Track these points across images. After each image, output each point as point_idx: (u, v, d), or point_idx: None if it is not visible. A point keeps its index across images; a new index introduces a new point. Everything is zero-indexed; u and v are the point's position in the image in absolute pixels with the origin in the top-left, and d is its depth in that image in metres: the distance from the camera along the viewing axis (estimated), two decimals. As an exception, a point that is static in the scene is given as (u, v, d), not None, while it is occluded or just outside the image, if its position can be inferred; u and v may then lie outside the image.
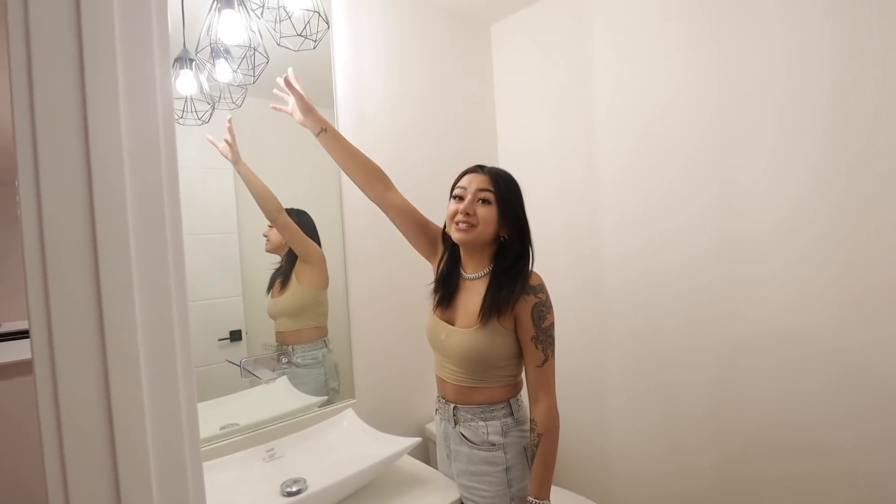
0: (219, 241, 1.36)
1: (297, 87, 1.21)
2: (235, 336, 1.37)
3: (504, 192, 1.06)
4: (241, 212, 1.38)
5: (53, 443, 0.46)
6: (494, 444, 1.04)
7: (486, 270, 1.09)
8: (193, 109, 1.29)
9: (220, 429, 1.30)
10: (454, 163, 1.92)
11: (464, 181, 1.09)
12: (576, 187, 1.83)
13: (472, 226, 1.04)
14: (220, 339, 1.35)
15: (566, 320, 1.89)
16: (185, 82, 1.26)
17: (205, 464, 1.14)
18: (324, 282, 1.54)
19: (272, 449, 1.25)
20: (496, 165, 1.12)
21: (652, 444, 1.66)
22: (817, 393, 1.30)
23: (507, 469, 1.04)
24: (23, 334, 2.93)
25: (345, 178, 1.57)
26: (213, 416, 1.30)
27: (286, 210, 1.44)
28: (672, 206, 1.56)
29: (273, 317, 1.47)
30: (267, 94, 1.42)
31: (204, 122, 1.30)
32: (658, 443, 1.65)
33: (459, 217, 1.04)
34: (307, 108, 1.22)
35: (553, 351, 1.05)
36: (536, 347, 1.02)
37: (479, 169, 1.09)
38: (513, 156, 2.07)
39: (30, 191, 0.45)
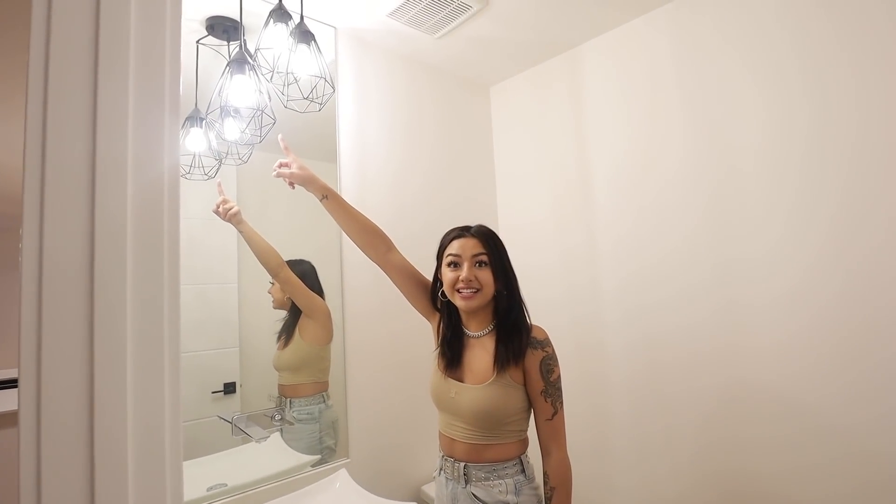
0: (218, 292, 1.36)
1: (291, 161, 1.22)
2: (229, 389, 1.34)
3: (494, 250, 1.09)
4: (242, 263, 1.39)
5: (32, 494, 0.45)
6: (508, 503, 1.03)
7: (491, 327, 1.11)
8: (201, 165, 1.33)
9: (208, 489, 1.24)
10: (456, 223, 1.96)
11: (455, 247, 1.10)
12: (576, 252, 1.86)
13: (476, 291, 1.06)
14: (213, 392, 1.32)
15: (567, 381, 1.85)
16: (195, 140, 1.31)
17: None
18: (327, 336, 1.54)
19: (260, 512, 1.19)
20: (480, 224, 1.15)
21: (657, 487, 1.58)
22: (822, 467, 1.26)
23: None
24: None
25: (345, 236, 1.60)
26: (200, 475, 1.25)
27: (287, 262, 1.45)
28: (671, 274, 1.58)
29: (277, 370, 1.46)
30: (273, 150, 1.48)
31: (210, 178, 1.34)
32: (664, 484, 1.57)
33: (461, 285, 1.06)
34: (308, 179, 1.23)
35: (562, 404, 1.06)
36: (546, 401, 1.04)
37: (465, 232, 1.12)
38: (513, 219, 2.12)
39: (33, 239, 0.46)
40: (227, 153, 1.38)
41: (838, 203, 1.25)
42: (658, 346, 1.60)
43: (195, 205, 1.34)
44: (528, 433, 1.11)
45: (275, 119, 1.31)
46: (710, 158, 1.49)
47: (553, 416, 1.04)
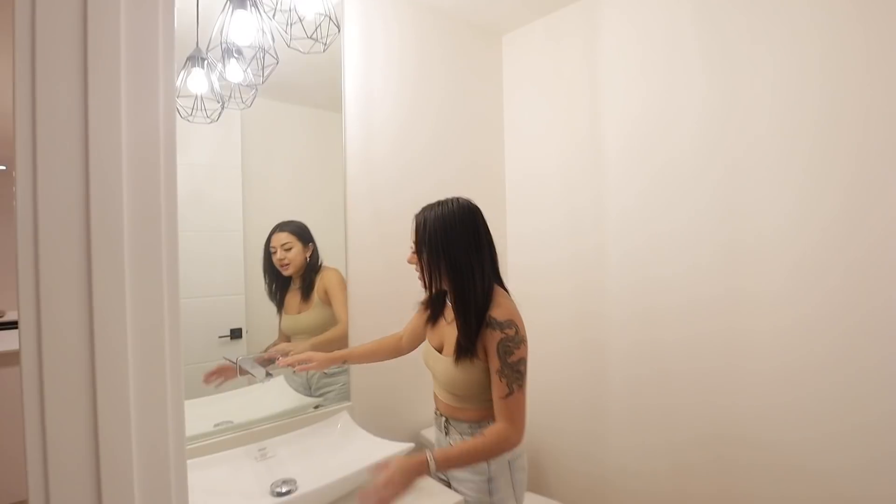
0: (224, 239, 1.36)
1: (297, 363, 1.29)
2: (236, 334, 1.38)
3: (424, 239, 1.09)
4: (247, 210, 1.39)
5: (36, 434, 0.46)
6: None
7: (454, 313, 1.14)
8: (203, 108, 1.30)
9: (215, 426, 1.30)
10: (463, 178, 1.94)
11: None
12: (583, 216, 1.82)
13: (421, 275, 1.12)
14: (220, 336, 1.35)
15: (567, 346, 1.88)
16: (197, 81, 1.27)
17: (196, 460, 1.14)
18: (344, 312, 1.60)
19: (264, 448, 1.25)
20: (429, 206, 1.13)
21: (651, 460, 1.64)
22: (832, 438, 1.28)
23: (490, 480, 1.11)
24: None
25: (350, 189, 1.60)
26: (208, 414, 1.30)
27: (279, 223, 1.47)
28: (678, 251, 1.55)
29: (291, 334, 1.50)
30: (277, 96, 1.44)
31: (213, 121, 1.31)
32: (658, 459, 1.63)
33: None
34: (324, 363, 1.33)
35: (520, 385, 1.04)
36: (500, 380, 1.03)
37: (416, 216, 1.14)
38: (520, 177, 2.07)
39: (27, 183, 0.46)
40: (230, 96, 1.34)
41: (849, 183, 1.22)
42: (660, 324, 1.60)
43: (199, 152, 1.32)
44: None
45: (277, 59, 1.26)
46: (728, 129, 1.42)
47: (507, 395, 1.03)
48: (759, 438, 1.39)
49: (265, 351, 1.42)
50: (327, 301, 1.56)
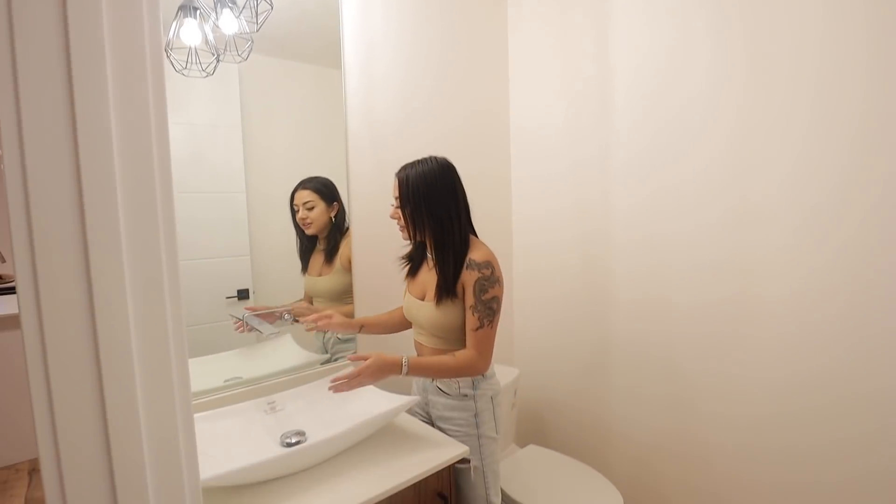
0: (226, 201, 1.35)
1: (319, 318, 1.32)
2: (243, 295, 1.38)
3: (406, 193, 1.18)
4: (249, 171, 1.37)
5: (42, 391, 0.47)
6: (466, 395, 1.24)
7: (433, 259, 1.23)
8: (198, 61, 1.26)
9: (224, 381, 1.33)
10: (467, 127, 1.89)
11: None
12: (588, 165, 1.77)
13: (403, 228, 1.24)
14: (227, 297, 1.36)
15: (570, 294, 1.88)
16: (190, 32, 1.23)
17: (206, 413, 1.17)
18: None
19: (273, 402, 1.27)
20: (433, 156, 1.21)
21: (652, 417, 1.68)
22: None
23: (476, 415, 1.24)
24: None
25: (352, 143, 1.56)
26: (217, 370, 1.33)
27: (302, 180, 1.44)
28: (686, 208, 1.51)
29: (312, 295, 1.50)
30: (274, 52, 1.38)
31: (209, 74, 1.28)
32: (659, 416, 1.66)
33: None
34: (343, 326, 1.35)
35: (490, 322, 1.17)
36: (473, 315, 1.16)
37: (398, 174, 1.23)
38: (525, 123, 2.01)
39: (12, 130, 0.44)
40: (226, 48, 1.30)
41: (860, 130, 1.17)
42: (666, 284, 1.58)
43: (198, 111, 1.29)
44: None
45: (272, 6, 1.21)
46: (742, 76, 1.36)
47: (477, 329, 1.16)
48: (763, 406, 1.40)
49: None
50: (349, 268, 1.55)
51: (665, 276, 1.59)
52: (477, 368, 1.17)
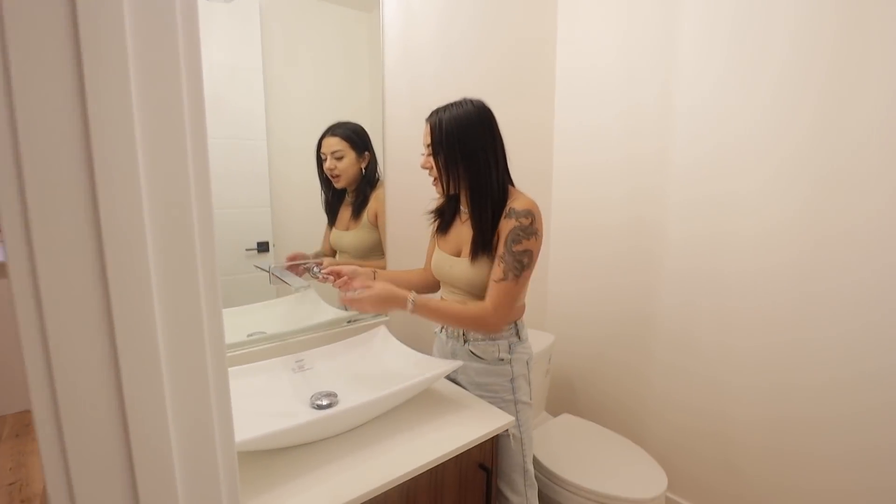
0: (246, 148, 1.25)
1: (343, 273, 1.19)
2: (263, 247, 1.30)
3: (440, 138, 1.08)
4: (270, 118, 1.27)
5: (37, 342, 0.36)
6: (503, 360, 1.17)
7: (468, 211, 1.14)
8: (217, -20, 1.12)
9: (248, 336, 1.25)
10: (509, 65, 1.73)
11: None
12: (644, 112, 1.60)
13: (435, 178, 1.13)
14: (247, 250, 1.28)
15: (615, 253, 1.75)
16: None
17: (233, 368, 1.08)
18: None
19: (301, 360, 1.19)
20: (468, 98, 1.10)
21: (694, 398, 1.57)
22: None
23: (512, 379, 1.18)
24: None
25: (389, 87, 1.43)
26: (239, 324, 1.26)
27: (332, 126, 1.33)
28: (758, 163, 1.33)
29: (339, 250, 1.41)
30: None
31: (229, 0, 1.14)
32: (703, 399, 1.54)
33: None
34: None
35: (516, 276, 1.06)
36: (499, 264, 1.06)
37: (428, 119, 1.12)
38: (573, 62, 1.83)
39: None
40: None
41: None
42: (724, 253, 1.43)
43: (216, 48, 1.17)
44: (526, 300, 1.20)
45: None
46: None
47: (500, 280, 1.06)
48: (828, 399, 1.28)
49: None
50: (376, 223, 1.43)
51: (725, 244, 1.43)
52: (487, 324, 1.08)
